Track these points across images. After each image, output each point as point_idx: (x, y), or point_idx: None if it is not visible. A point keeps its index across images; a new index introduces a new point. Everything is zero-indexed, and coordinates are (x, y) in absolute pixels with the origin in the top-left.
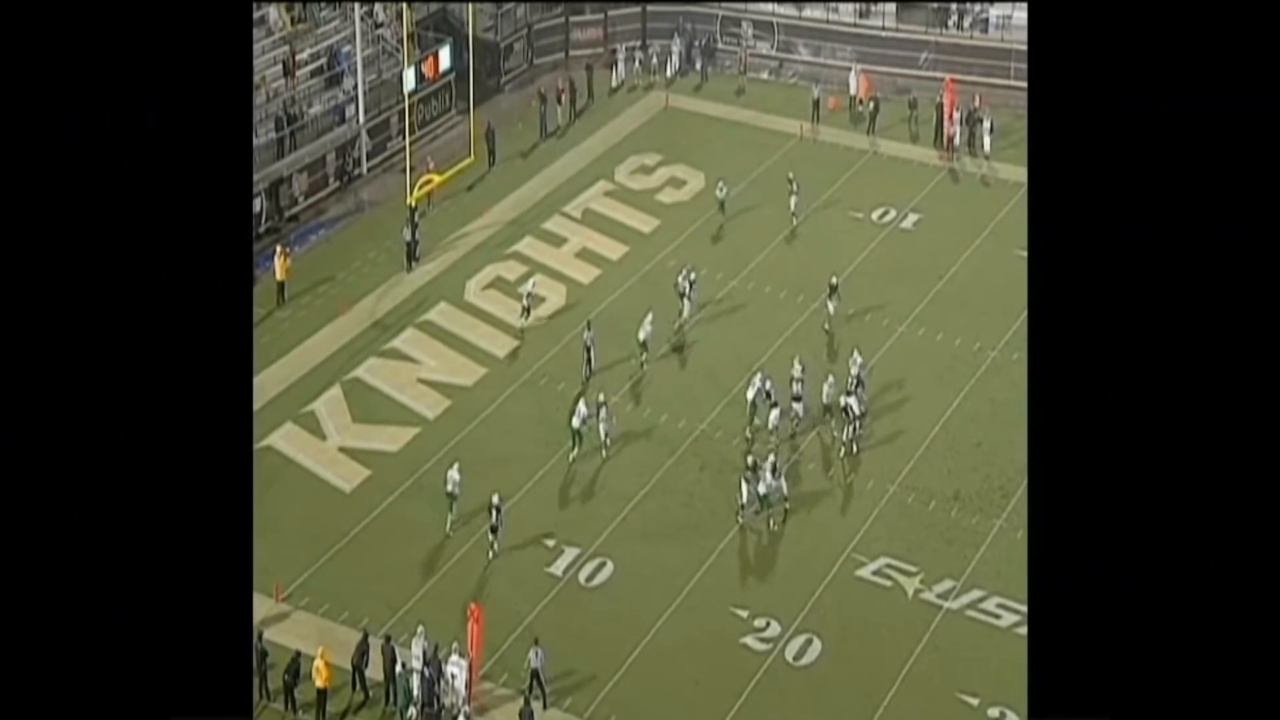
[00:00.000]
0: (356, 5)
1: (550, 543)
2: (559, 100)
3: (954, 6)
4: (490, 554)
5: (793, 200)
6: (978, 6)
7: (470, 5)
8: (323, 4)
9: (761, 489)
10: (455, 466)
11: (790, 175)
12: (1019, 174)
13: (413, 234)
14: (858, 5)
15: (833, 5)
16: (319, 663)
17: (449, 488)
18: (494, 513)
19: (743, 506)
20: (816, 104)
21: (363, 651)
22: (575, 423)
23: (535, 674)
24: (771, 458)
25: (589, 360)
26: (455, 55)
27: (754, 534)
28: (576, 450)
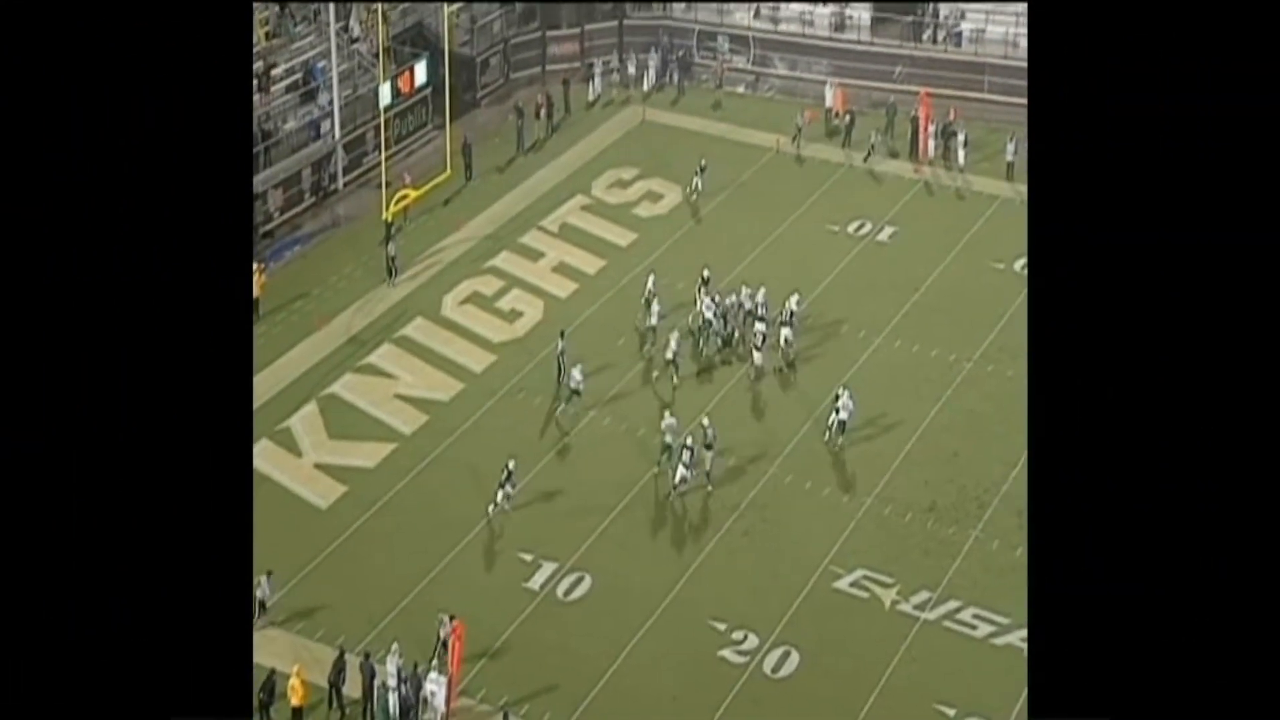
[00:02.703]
0: (332, 20)
1: (528, 557)
2: (536, 114)
3: (928, 21)
4: (491, 508)
5: (696, 181)
6: (951, 20)
7: (446, 20)
8: (296, 21)
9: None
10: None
11: (702, 163)
12: (993, 186)
13: (390, 248)
14: (832, 19)
15: (808, 19)
16: (295, 681)
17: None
18: (506, 475)
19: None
20: (799, 130)
21: (339, 669)
22: (669, 439)
23: None
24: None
25: (561, 372)
26: (431, 70)
27: (724, 545)
28: (665, 462)
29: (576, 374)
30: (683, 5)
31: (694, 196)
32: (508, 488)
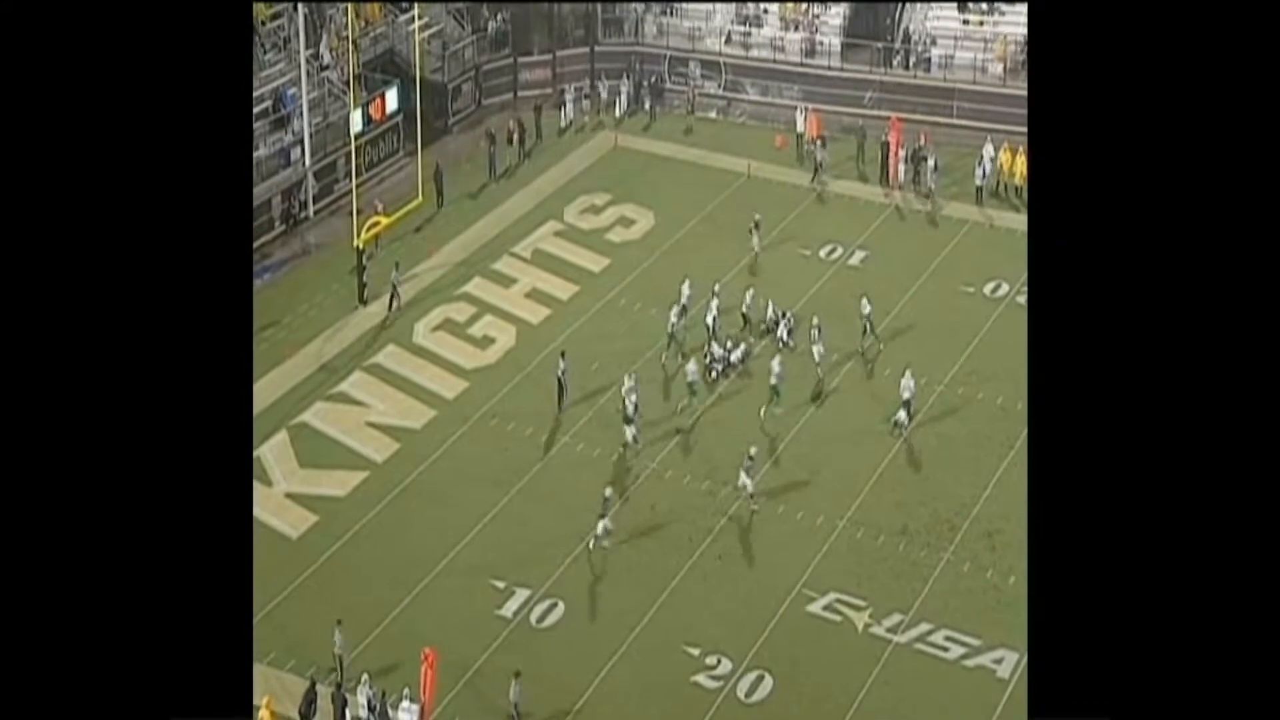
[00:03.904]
0: (302, 47)
1: (500, 585)
2: (508, 141)
3: (898, 47)
4: (591, 541)
5: (755, 239)
6: (921, 46)
7: (418, 47)
8: (266, 48)
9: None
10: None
11: (756, 217)
12: (963, 211)
13: (361, 276)
14: (803, 44)
15: (779, 45)
16: (264, 713)
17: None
18: (603, 504)
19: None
20: (819, 166)
21: (310, 700)
22: (772, 380)
23: (515, 707)
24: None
25: (562, 392)
26: (402, 97)
27: (701, 571)
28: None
29: (630, 399)
30: (654, 31)
31: (756, 254)
32: (605, 521)
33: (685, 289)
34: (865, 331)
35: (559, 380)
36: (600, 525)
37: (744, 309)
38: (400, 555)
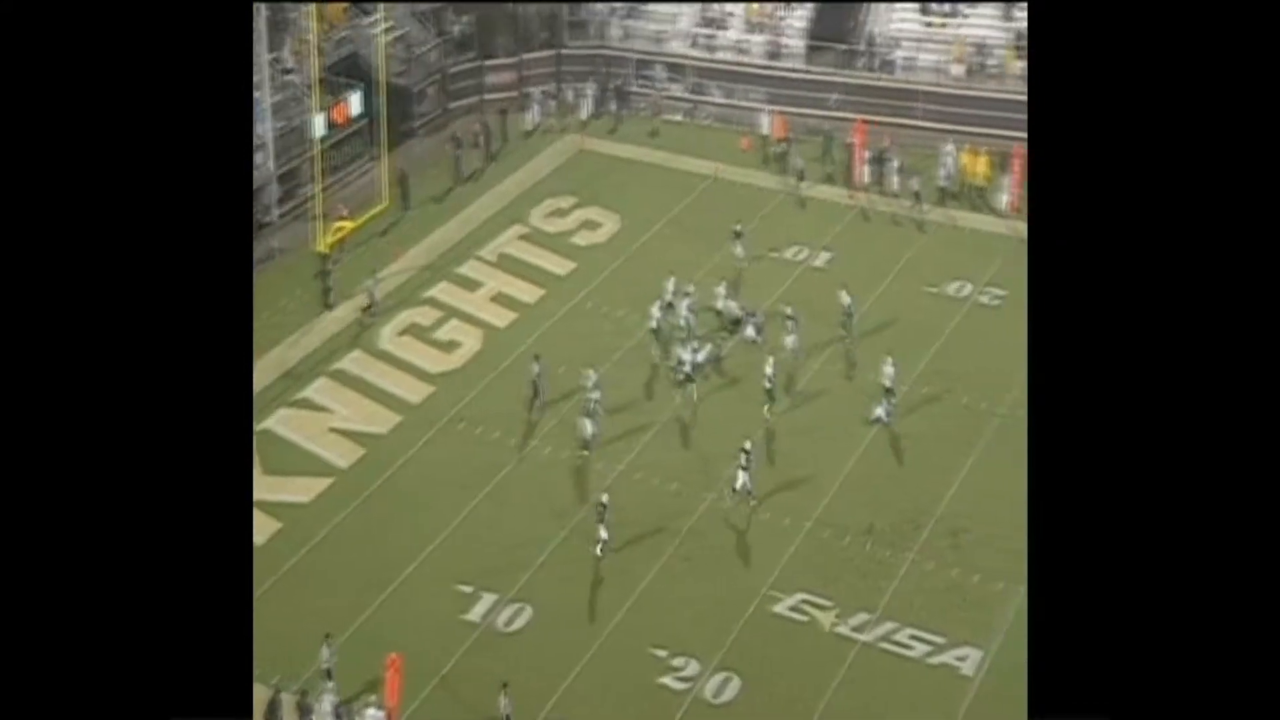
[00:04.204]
0: (264, 51)
1: (468, 589)
2: (473, 144)
3: (862, 49)
4: (599, 548)
5: (739, 248)
6: (885, 49)
7: (381, 51)
8: None
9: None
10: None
11: (738, 226)
12: (927, 212)
13: (326, 281)
14: (768, 47)
15: (744, 47)
16: None
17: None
18: (601, 511)
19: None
20: (800, 173)
21: (274, 709)
22: (766, 385)
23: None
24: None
25: (537, 394)
26: (366, 101)
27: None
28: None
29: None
30: (619, 34)
31: (744, 265)
32: (601, 529)
33: (669, 285)
34: (845, 325)
35: (534, 383)
36: (601, 531)
37: (718, 306)
38: (366, 561)
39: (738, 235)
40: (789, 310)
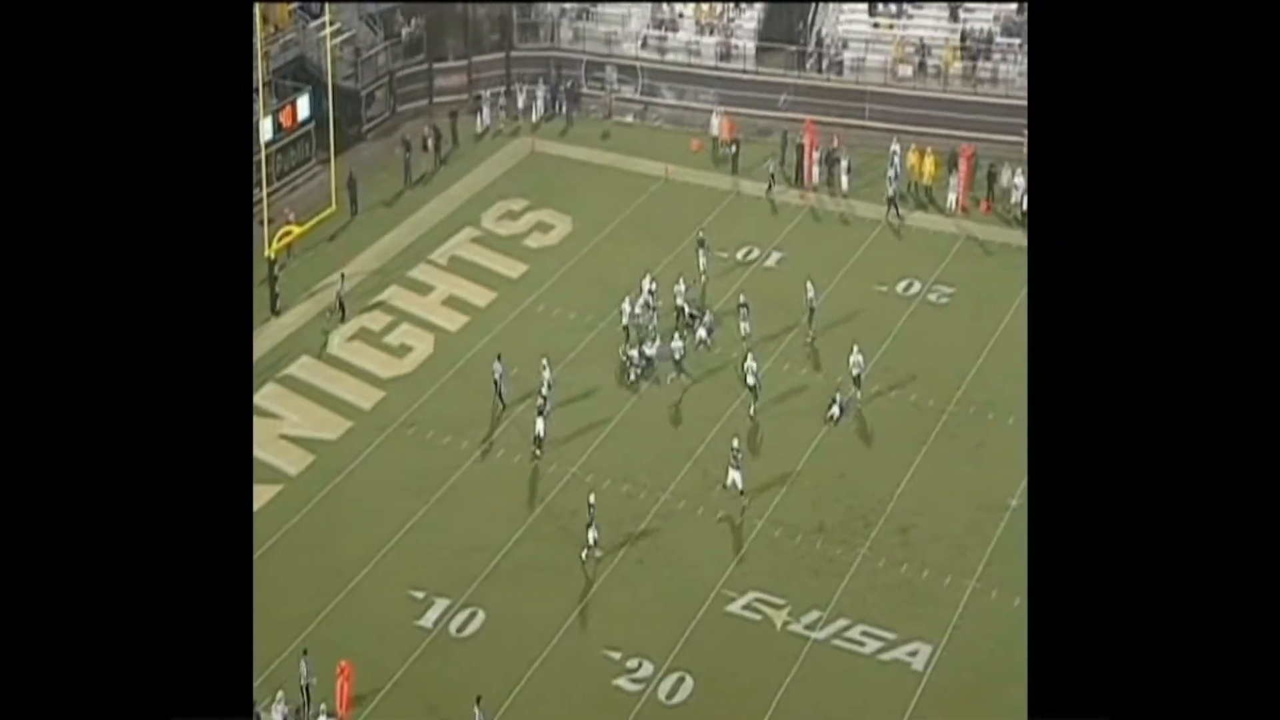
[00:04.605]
0: None
1: (420, 595)
2: (423, 147)
3: (811, 50)
4: (584, 553)
5: (702, 257)
6: (834, 50)
7: (329, 53)
8: None
9: None
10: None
11: (701, 235)
12: (876, 211)
13: (273, 286)
14: (719, 48)
15: (695, 49)
16: None
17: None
18: (589, 514)
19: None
20: (772, 178)
21: None
22: (750, 380)
23: None
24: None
25: (499, 394)
26: (314, 104)
27: (617, 572)
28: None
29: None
30: (570, 36)
31: (704, 277)
32: (592, 532)
33: (646, 283)
34: (809, 319)
35: (495, 383)
36: (590, 535)
37: (677, 301)
38: (317, 568)
39: (702, 244)
40: (741, 298)
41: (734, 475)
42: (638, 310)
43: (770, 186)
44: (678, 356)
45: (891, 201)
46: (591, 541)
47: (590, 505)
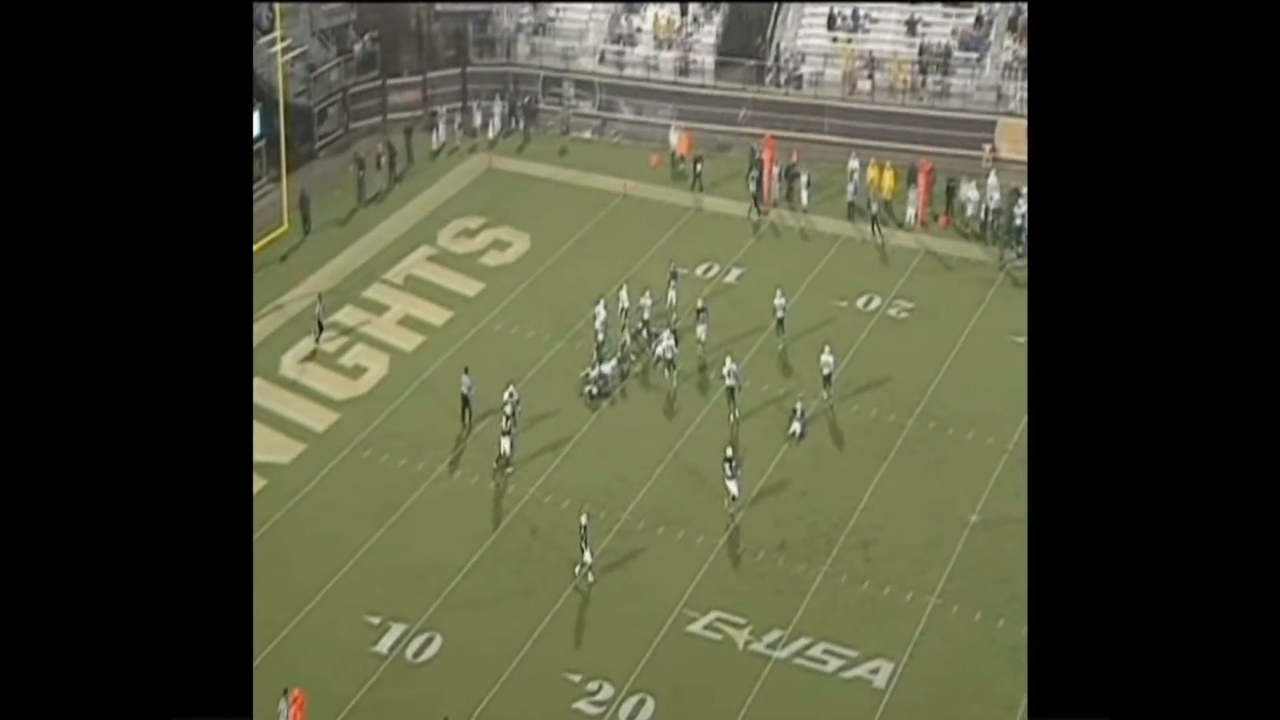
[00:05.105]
0: None
1: (375, 620)
2: (377, 164)
3: (770, 64)
4: (578, 569)
5: (672, 292)
6: (792, 64)
7: (281, 69)
8: None
9: None
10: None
11: (673, 267)
12: (836, 226)
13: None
14: (677, 63)
15: (653, 64)
16: None
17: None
18: (583, 533)
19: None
20: (754, 197)
21: None
22: (730, 382)
23: None
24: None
25: (468, 409)
26: (265, 121)
27: (579, 594)
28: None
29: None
30: (527, 51)
31: (675, 316)
32: (586, 554)
33: (623, 294)
34: (778, 328)
35: (464, 397)
36: (585, 555)
37: (644, 317)
38: (270, 593)
39: (674, 276)
40: (700, 303)
41: (732, 487)
42: (598, 327)
43: (753, 207)
44: (636, 371)
45: (875, 220)
46: (587, 561)
47: (583, 526)
